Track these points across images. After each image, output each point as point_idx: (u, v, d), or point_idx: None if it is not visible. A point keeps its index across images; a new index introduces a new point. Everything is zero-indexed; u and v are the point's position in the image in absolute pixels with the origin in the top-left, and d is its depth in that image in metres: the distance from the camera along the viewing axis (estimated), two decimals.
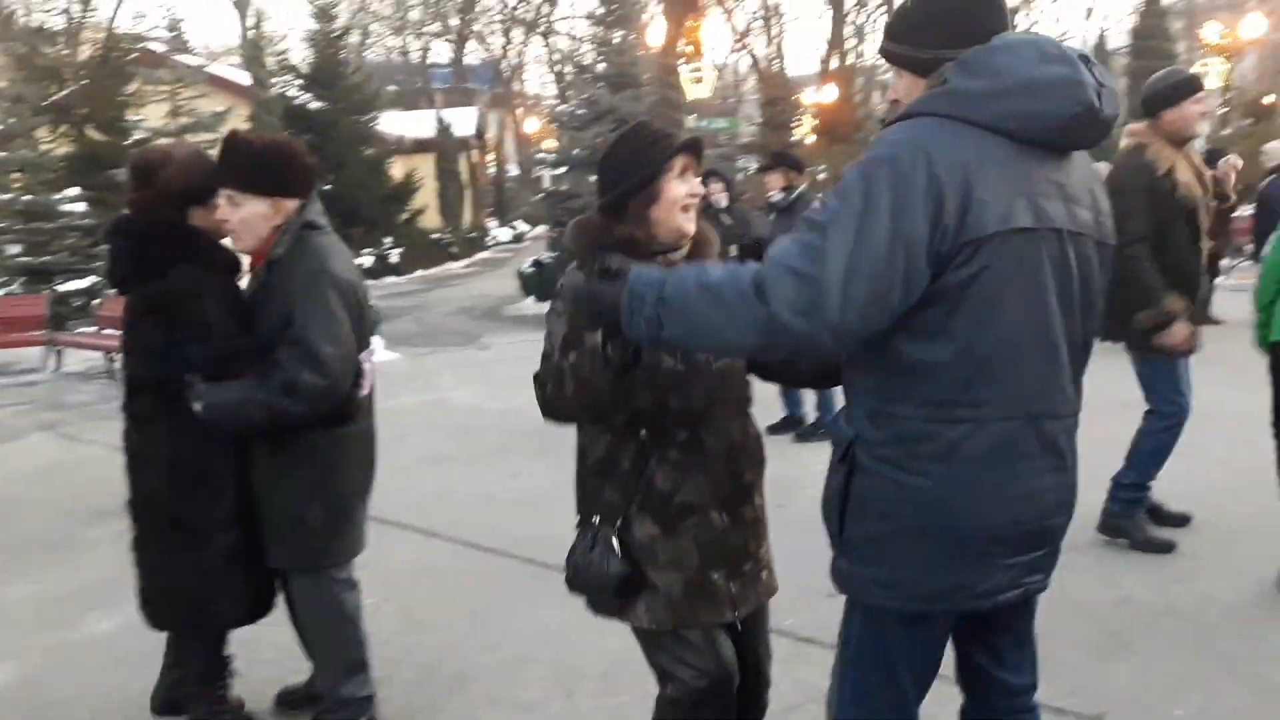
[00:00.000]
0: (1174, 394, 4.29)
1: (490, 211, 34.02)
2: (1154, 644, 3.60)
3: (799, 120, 25.53)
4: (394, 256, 22.27)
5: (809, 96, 29.52)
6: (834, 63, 37.35)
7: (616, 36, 15.63)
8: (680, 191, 2.20)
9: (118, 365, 10.75)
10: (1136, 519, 4.47)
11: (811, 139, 27.41)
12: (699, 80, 14.51)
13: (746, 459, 2.32)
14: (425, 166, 27.16)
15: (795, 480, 5.13)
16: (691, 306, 1.76)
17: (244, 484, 2.96)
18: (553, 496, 5.72)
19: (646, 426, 2.22)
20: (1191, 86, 4.23)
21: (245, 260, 3.07)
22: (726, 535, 2.28)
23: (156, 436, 2.95)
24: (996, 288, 1.74)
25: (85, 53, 17.03)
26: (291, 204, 2.88)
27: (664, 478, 2.23)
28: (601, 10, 15.91)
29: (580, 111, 15.64)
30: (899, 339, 1.76)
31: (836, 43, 38.57)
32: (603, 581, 2.22)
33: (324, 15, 21.18)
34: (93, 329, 11.76)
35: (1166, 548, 4.39)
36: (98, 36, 17.21)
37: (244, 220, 2.86)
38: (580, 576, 2.26)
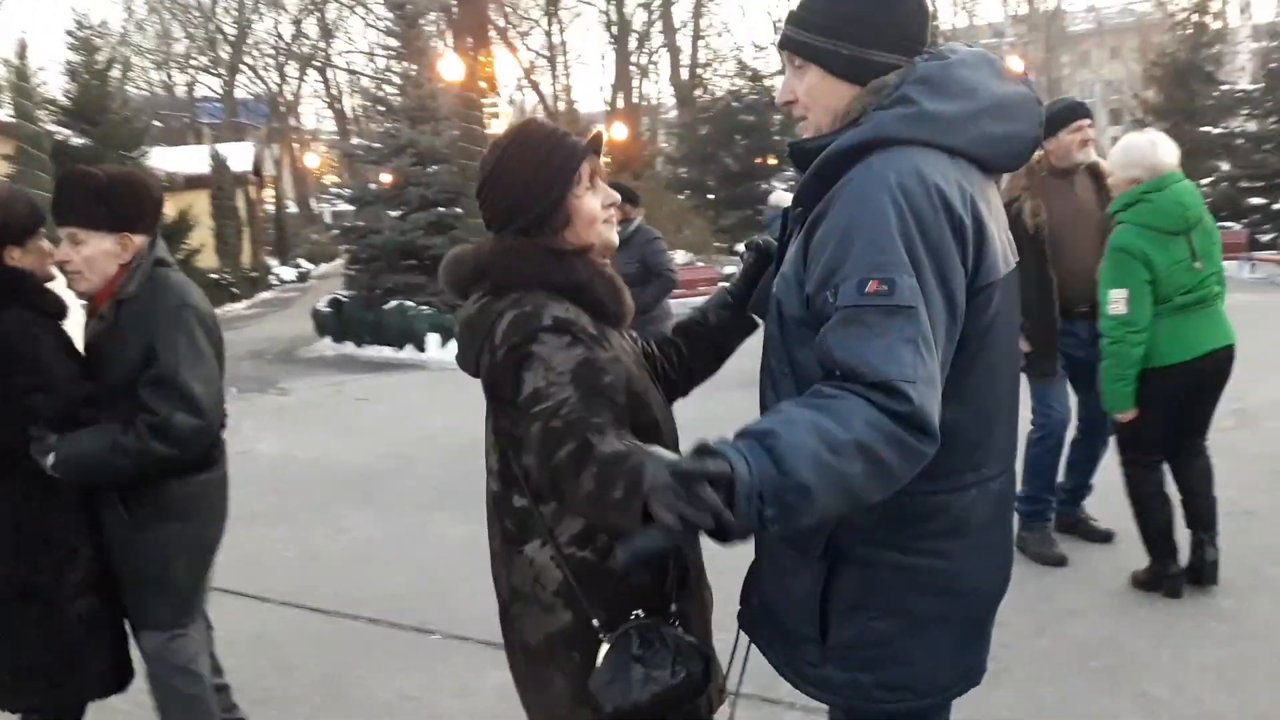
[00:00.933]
0: (1042, 409, 4.48)
1: (270, 250, 32.51)
2: (1033, 665, 3.66)
3: None
4: None
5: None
6: (620, 101, 38.20)
7: (410, 70, 15.29)
8: (596, 205, 1.85)
9: None
10: (1037, 534, 4.61)
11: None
12: (495, 115, 14.36)
13: None
14: (200, 204, 25.72)
15: None
16: (832, 473, 1.37)
17: (96, 543, 2.72)
18: (384, 549, 5.50)
19: None
20: (1064, 118, 4.38)
21: (75, 303, 2.82)
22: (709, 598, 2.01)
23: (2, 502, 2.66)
24: (1002, 336, 1.62)
25: None
26: (140, 240, 2.70)
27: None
28: (393, 43, 15.58)
29: (375, 145, 15.17)
30: None
31: (622, 82, 39.40)
32: (696, 690, 1.74)
33: (86, 46, 19.76)
34: None
35: (1059, 561, 4.52)
36: None
37: (89, 259, 2.66)
38: (663, 689, 1.70)
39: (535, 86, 39.28)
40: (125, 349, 2.63)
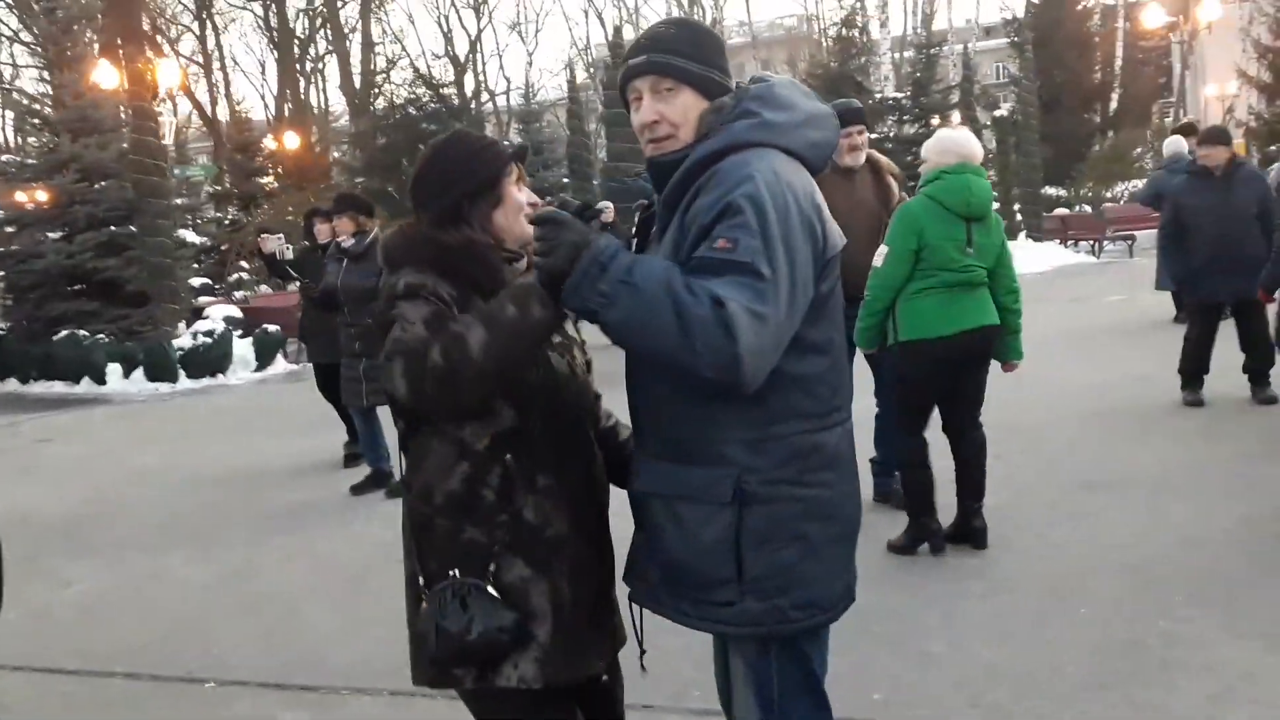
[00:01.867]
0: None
1: None
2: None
3: (265, 167, 24.49)
4: None
5: (270, 143, 28.45)
6: (286, 110, 36.53)
7: (65, 80, 13.95)
8: (522, 199, 2.09)
9: None
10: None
11: (274, 186, 26.44)
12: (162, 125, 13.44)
13: (603, 484, 2.18)
14: None
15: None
16: (654, 304, 1.72)
17: None
18: (121, 599, 5.07)
19: (511, 451, 1.99)
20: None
21: None
22: (595, 573, 2.10)
23: None
24: (839, 300, 2.00)
25: None
26: None
27: (534, 509, 2.00)
28: (41, 51, 14.17)
29: (30, 162, 13.71)
30: (780, 361, 1.82)
31: (288, 90, 37.74)
32: (492, 640, 1.91)
33: None
34: None
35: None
36: None
37: None
38: (456, 643, 1.90)
39: (190, 94, 36.76)
40: None
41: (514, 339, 1.82)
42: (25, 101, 14.96)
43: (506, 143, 2.16)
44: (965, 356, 4.49)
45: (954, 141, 4.59)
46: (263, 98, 46.82)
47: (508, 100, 41.59)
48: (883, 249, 4.43)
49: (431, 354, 1.78)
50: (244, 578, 5.26)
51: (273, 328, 13.23)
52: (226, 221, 20.92)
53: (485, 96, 41.18)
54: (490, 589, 1.94)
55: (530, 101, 27.89)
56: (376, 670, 3.83)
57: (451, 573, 1.95)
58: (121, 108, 14.62)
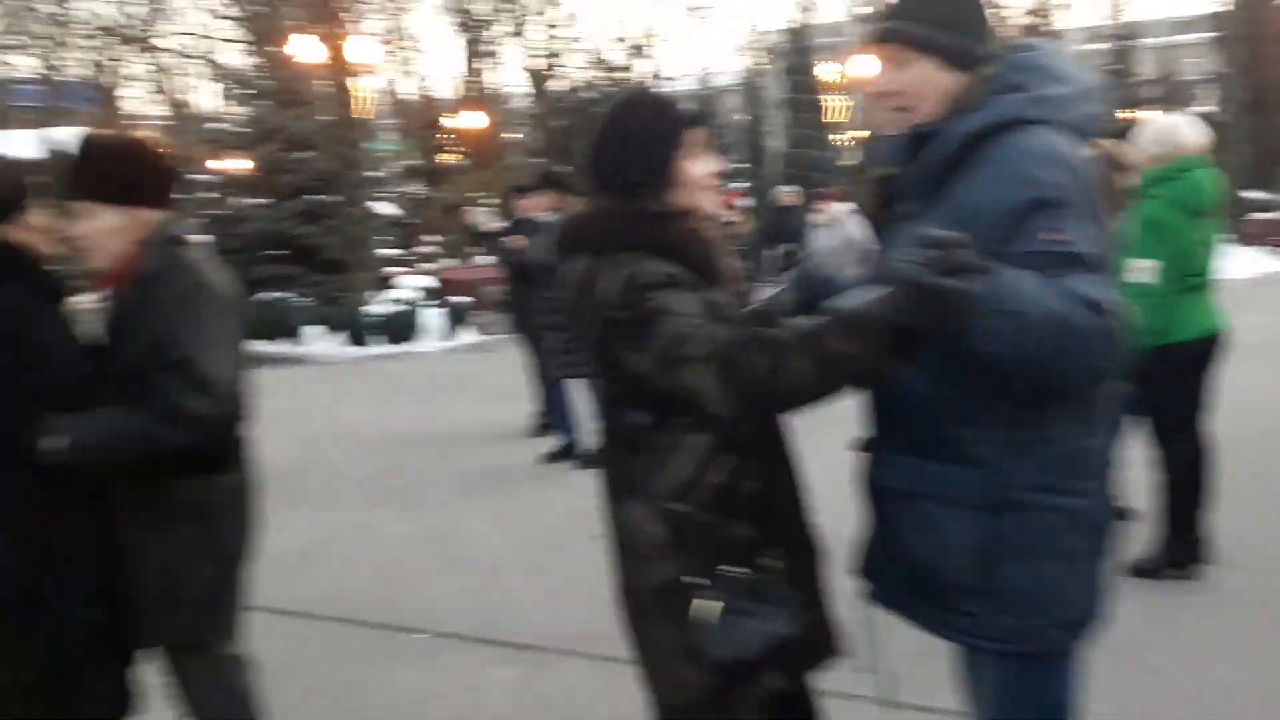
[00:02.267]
0: None
1: None
2: None
3: (448, 145, 25.32)
4: None
5: (453, 122, 29.36)
6: (469, 89, 37.55)
7: (272, 52, 14.71)
8: (702, 170, 1.93)
9: None
10: None
11: (457, 163, 27.29)
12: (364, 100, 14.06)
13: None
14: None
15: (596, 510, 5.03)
16: (1039, 326, 1.56)
17: (104, 550, 2.49)
18: (334, 549, 5.32)
19: (764, 437, 1.93)
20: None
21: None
22: (819, 564, 2.04)
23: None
24: None
25: None
26: (150, 215, 2.48)
27: (782, 498, 1.96)
28: (232, 22, 14.96)
29: (242, 130, 14.54)
30: None
31: (471, 67, 38.82)
32: (772, 640, 1.80)
33: None
34: None
35: None
36: None
37: (94, 235, 2.46)
38: (740, 646, 1.78)
39: (377, 73, 38.18)
40: (138, 332, 2.43)
41: (838, 373, 1.66)
42: (224, 74, 15.72)
43: (683, 107, 1.96)
44: (1209, 360, 4.22)
45: (1180, 133, 4.19)
46: (445, 78, 48.13)
47: (683, 84, 41.70)
48: (1148, 264, 4.00)
49: (749, 357, 1.66)
50: (445, 537, 5.44)
51: (462, 299, 13.66)
52: (412, 196, 21.77)
53: (659, 80, 41.40)
54: (768, 585, 1.84)
55: (705, 86, 27.87)
56: (579, 634, 3.90)
57: (719, 572, 1.82)
58: (322, 82, 15.29)
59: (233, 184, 14.72)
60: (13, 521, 2.42)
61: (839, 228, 10.62)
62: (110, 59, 44.71)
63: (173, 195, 2.59)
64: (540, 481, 6.41)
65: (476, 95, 36.25)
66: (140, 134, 2.91)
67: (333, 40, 16.67)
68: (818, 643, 1.97)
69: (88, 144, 2.52)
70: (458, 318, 13.45)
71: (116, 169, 2.47)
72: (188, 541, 2.50)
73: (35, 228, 2.50)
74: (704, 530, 1.84)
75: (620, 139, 1.91)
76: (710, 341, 1.69)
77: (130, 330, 2.43)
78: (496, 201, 19.73)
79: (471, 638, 4.07)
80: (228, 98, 17.37)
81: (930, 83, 1.80)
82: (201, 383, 2.36)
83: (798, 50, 20.48)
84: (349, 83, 14.36)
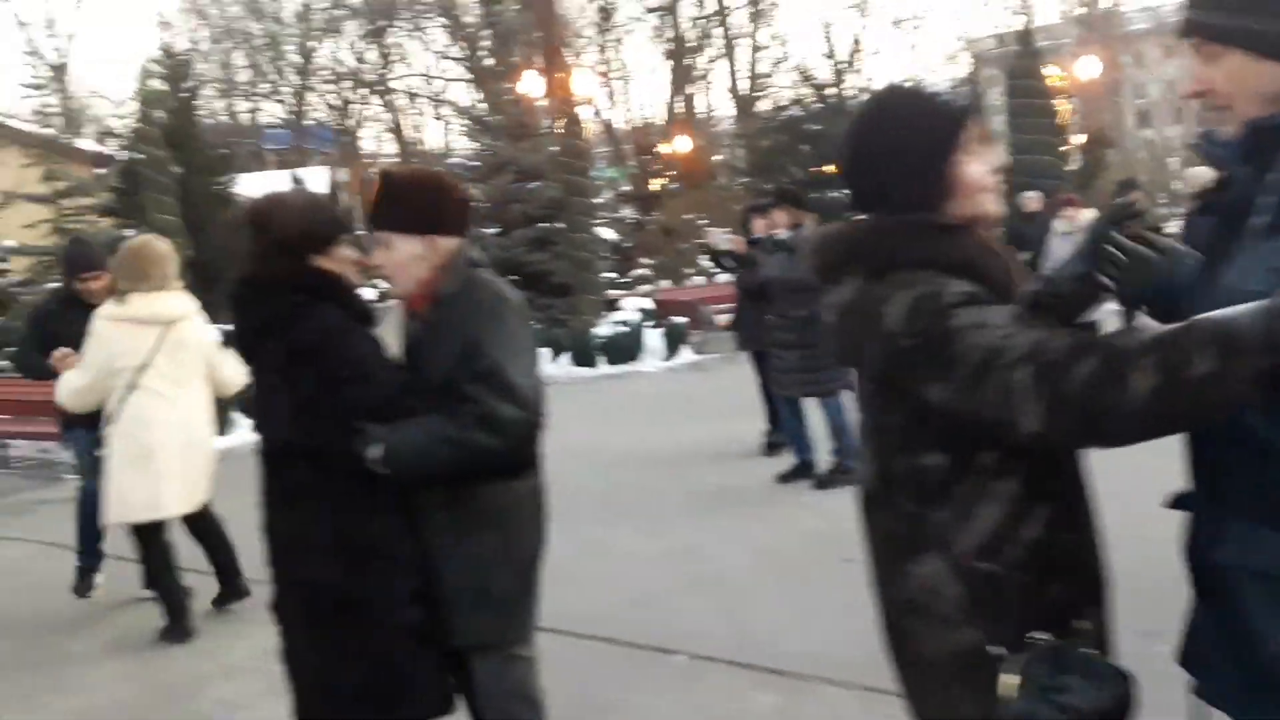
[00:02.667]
0: None
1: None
2: None
3: (662, 170, 25.75)
4: None
5: (664, 147, 29.86)
6: (677, 113, 38.11)
7: (494, 90, 15.34)
8: (981, 172, 1.69)
9: (10, 452, 9.69)
10: None
11: (670, 187, 27.70)
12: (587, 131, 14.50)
13: None
14: None
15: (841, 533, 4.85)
16: None
17: (417, 553, 2.60)
18: (577, 566, 5.38)
19: (1066, 482, 1.71)
20: None
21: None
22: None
23: (314, 512, 2.58)
24: None
25: None
26: (449, 243, 2.61)
27: (1090, 549, 1.74)
28: (454, 62, 15.63)
29: (473, 164, 15.21)
30: None
31: (680, 92, 39.35)
32: (1106, 713, 1.58)
33: (173, 75, 20.11)
34: None
35: None
36: None
37: (398, 263, 2.61)
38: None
39: (592, 103, 39.33)
40: (444, 347, 2.54)
41: (1189, 397, 1.37)
42: (456, 111, 16.50)
43: (955, 97, 1.72)
44: None
45: None
46: (653, 105, 49.12)
47: None
48: None
49: (1077, 361, 1.42)
50: (689, 556, 5.42)
51: (677, 320, 13.78)
52: (629, 220, 22.18)
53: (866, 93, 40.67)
54: (1083, 653, 1.61)
55: None
56: (839, 662, 3.77)
57: (1029, 639, 1.59)
58: (547, 115, 15.83)
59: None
60: (335, 529, 2.55)
61: (1079, 235, 10.05)
62: (348, 102, 48.15)
63: (468, 223, 2.71)
64: (777, 501, 6.31)
65: (685, 119, 36.85)
66: (436, 168, 3.06)
67: (555, 74, 17.32)
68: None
69: (389, 179, 2.68)
70: (676, 338, 13.56)
71: (417, 201, 2.60)
72: (490, 544, 2.59)
73: (344, 258, 2.67)
74: (1015, 591, 1.61)
75: (887, 144, 1.68)
76: (1027, 344, 1.45)
77: (438, 344, 2.55)
78: (707, 222, 19.92)
79: (726, 661, 4.01)
80: (463, 134, 18.23)
81: (1242, 78, 1.52)
82: (509, 390, 2.46)
83: (1021, 54, 19.58)
84: (573, 114, 14.79)
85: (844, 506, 6.12)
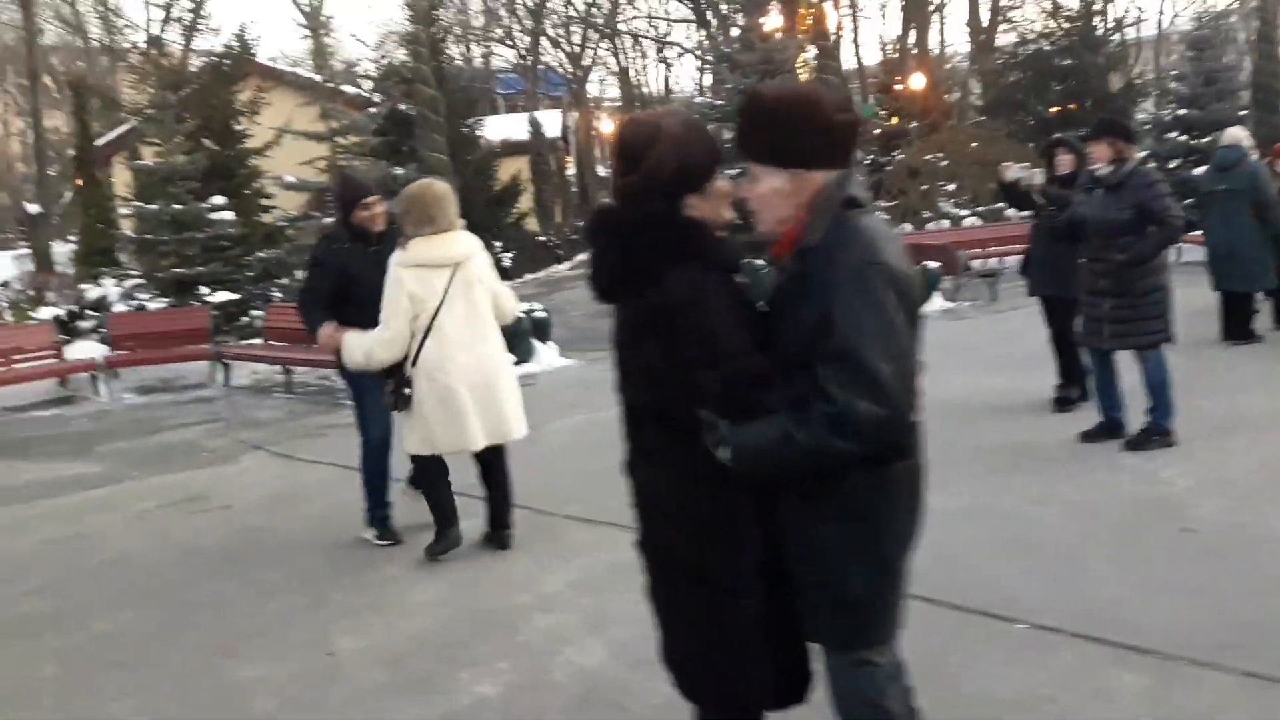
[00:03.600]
0: None
1: (576, 212, 33.64)
2: None
3: (898, 109, 24.67)
4: (505, 261, 21.81)
5: (898, 85, 28.61)
6: (910, 51, 36.43)
7: (752, 25, 14.98)
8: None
9: (294, 378, 10.38)
10: None
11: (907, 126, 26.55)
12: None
13: None
14: (520, 170, 26.79)
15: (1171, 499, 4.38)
16: None
17: (768, 533, 2.38)
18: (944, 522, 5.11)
19: None
20: None
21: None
22: None
23: (663, 476, 2.44)
24: None
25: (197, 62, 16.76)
26: (817, 178, 2.26)
27: None
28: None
29: (719, 103, 14.98)
30: None
31: (915, 28, 37.56)
32: None
33: (423, 18, 20.76)
34: (258, 341, 11.38)
35: None
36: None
37: (761, 199, 2.31)
38: None
39: (839, 35, 38.05)
40: (801, 312, 2.23)
41: None
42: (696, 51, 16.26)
43: None
44: None
45: None
46: (881, 40, 47.22)
47: (1159, 26, 37.45)
48: None
49: None
50: (992, 516, 5.06)
51: (931, 264, 13.13)
52: (866, 161, 21.39)
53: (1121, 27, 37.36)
54: None
55: (1203, 24, 24.58)
56: (1204, 643, 3.39)
57: None
58: (798, 50, 15.37)
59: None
60: (681, 497, 2.41)
61: None
62: (579, 47, 48.79)
63: (849, 153, 2.34)
64: (1086, 462, 5.81)
65: (919, 56, 35.18)
66: (813, 86, 2.69)
67: (797, 9, 16.79)
68: None
69: (755, 99, 2.36)
70: (931, 283, 12.92)
71: (781, 127, 2.26)
72: (848, 535, 2.31)
73: (719, 194, 2.40)
74: None
75: None
76: None
77: (795, 308, 2.26)
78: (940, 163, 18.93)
79: (1072, 633, 3.67)
80: (708, 71, 17.92)
81: None
82: (868, 380, 2.12)
83: None
84: (827, 47, 14.29)
85: (1171, 471, 5.66)
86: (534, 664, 3.78)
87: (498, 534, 5.07)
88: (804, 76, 14.95)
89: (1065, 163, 6.66)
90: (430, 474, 4.99)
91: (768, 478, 2.31)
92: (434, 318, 4.70)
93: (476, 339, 4.80)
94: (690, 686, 2.53)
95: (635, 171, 2.37)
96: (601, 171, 44.04)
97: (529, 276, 23.77)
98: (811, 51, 16.45)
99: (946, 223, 18.46)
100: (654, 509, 2.48)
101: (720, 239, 2.42)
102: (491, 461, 5.03)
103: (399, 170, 12.98)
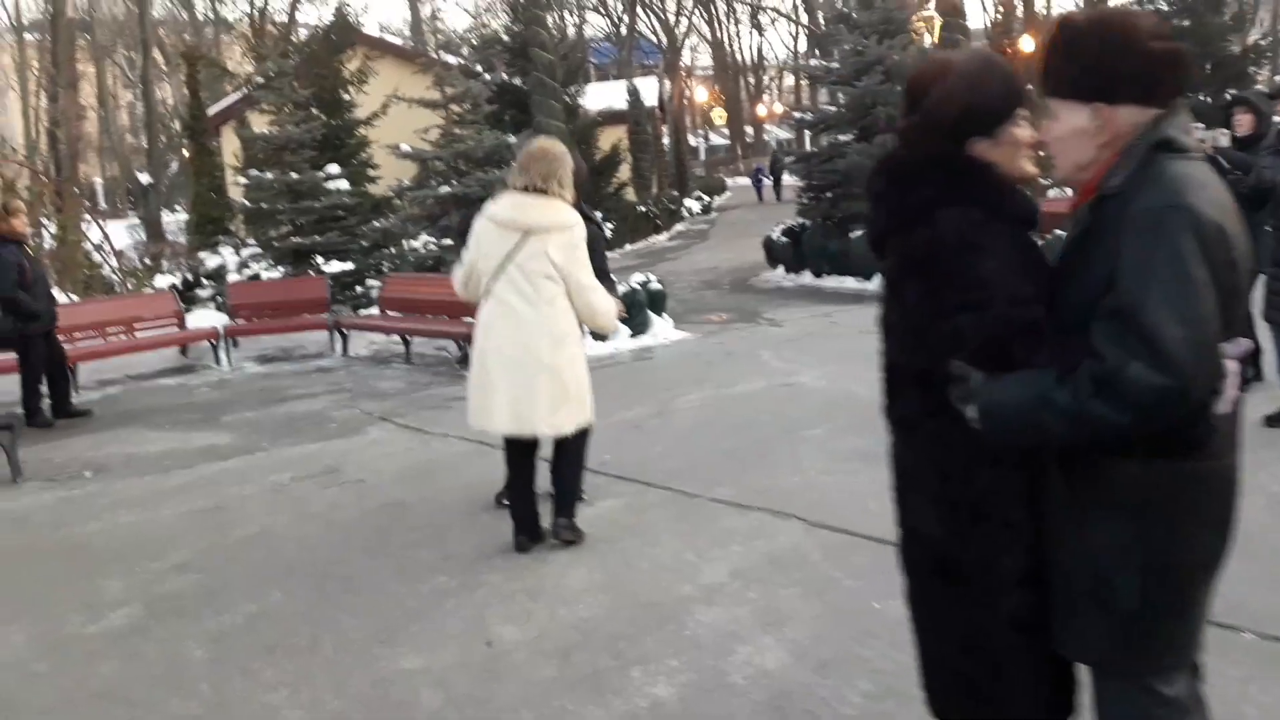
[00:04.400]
0: None
1: (671, 182, 33.27)
2: None
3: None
4: (606, 230, 21.65)
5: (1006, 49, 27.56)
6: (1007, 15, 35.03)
7: None
8: None
9: (411, 349, 10.31)
10: None
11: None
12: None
13: None
14: (619, 139, 26.55)
15: None
16: None
17: (1038, 525, 2.08)
18: None
19: None
20: None
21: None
22: None
23: (921, 450, 2.18)
24: None
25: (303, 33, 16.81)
26: (1125, 114, 1.95)
27: None
28: None
29: (834, 65, 14.47)
30: None
31: None
32: None
33: None
34: (374, 311, 11.36)
35: None
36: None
37: (1058, 139, 2.03)
38: None
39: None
40: (1094, 267, 1.92)
41: None
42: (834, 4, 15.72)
43: None
44: None
45: None
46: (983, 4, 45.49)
47: None
48: None
49: None
50: None
51: (1059, 232, 12.58)
52: None
53: None
54: None
55: None
56: None
57: None
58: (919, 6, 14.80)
59: (830, 120, 14.68)
60: (939, 475, 2.12)
61: None
62: (674, 14, 48.22)
63: (1168, 89, 2.00)
64: (1276, 448, 5.37)
65: (1026, 18, 33.86)
66: (1126, 10, 2.34)
67: None
68: None
69: (1064, 28, 2.04)
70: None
71: (1086, 55, 1.97)
72: (1118, 536, 1.98)
73: (1015, 140, 2.13)
74: None
75: None
76: None
77: (1089, 263, 1.94)
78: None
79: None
80: (824, 33, 17.34)
81: None
82: (1148, 338, 1.79)
83: None
84: (961, 8, 13.71)
85: None
86: (708, 664, 3.54)
87: (555, 528, 4.76)
88: (926, 40, 14.26)
89: (1244, 123, 6.17)
90: (509, 465, 4.74)
91: (1018, 445, 2.01)
92: (492, 281, 4.47)
93: (525, 319, 4.42)
94: (939, 700, 2.27)
95: (917, 109, 2.17)
96: (693, 141, 43.47)
97: (629, 247, 23.61)
98: (929, 10, 15.73)
99: (1070, 190, 17.72)
100: (908, 488, 2.23)
101: (1013, 188, 2.15)
102: (557, 453, 4.72)
103: (512, 139, 12.78)
